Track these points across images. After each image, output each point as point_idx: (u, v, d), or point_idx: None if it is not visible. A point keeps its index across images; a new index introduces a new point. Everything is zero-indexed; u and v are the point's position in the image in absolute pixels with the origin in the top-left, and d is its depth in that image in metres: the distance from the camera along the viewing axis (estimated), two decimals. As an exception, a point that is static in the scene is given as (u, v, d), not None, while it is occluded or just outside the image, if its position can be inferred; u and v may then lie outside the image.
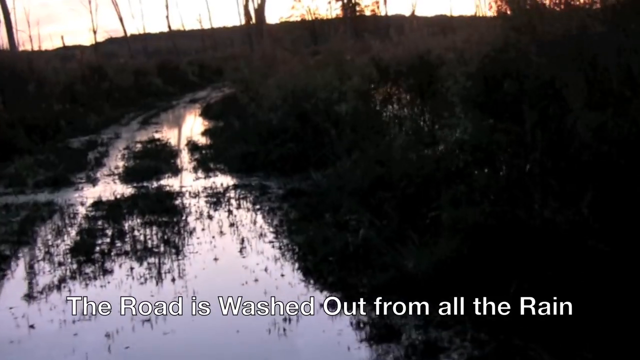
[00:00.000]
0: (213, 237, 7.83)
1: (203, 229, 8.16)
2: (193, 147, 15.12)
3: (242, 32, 72.16)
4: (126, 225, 8.53)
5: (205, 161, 12.96)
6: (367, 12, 79.00)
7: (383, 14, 78.34)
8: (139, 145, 16.17)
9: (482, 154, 4.97)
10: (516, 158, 5.23)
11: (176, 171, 12.28)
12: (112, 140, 17.56)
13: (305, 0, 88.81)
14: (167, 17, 58.49)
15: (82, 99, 23.80)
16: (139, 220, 8.73)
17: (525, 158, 5.23)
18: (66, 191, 11.18)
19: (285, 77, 13.50)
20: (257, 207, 9.12)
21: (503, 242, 4.79)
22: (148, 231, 8.16)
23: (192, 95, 33.20)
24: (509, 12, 5.95)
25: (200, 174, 11.88)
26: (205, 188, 10.55)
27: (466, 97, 6.28)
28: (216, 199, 9.75)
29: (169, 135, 18.20)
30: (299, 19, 77.39)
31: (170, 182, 11.28)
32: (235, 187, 10.49)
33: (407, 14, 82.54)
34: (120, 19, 57.11)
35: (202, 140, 16.14)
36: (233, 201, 9.53)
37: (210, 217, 8.73)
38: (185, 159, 13.68)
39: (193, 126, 20.07)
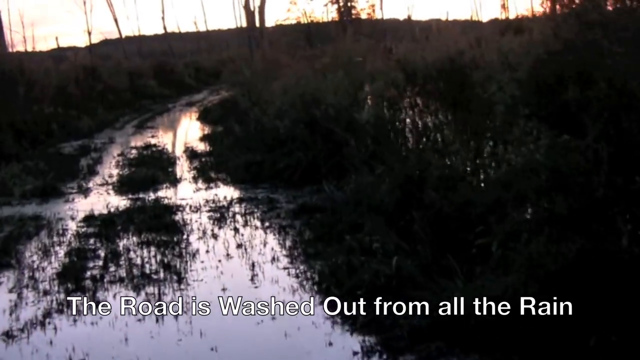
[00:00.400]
0: (219, 260, 6.92)
1: (207, 251, 7.25)
2: (192, 154, 14.21)
3: (238, 34, 71.34)
4: (121, 245, 7.62)
5: (206, 170, 12.05)
6: (363, 16, 78.44)
7: (378, 17, 77.90)
8: (134, 152, 15.26)
9: (557, 177, 4.09)
10: (589, 180, 4.34)
11: (174, 181, 11.38)
12: (105, 146, 16.64)
13: (300, 3, 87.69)
14: (162, 18, 57.32)
15: (75, 101, 22.85)
16: (135, 239, 7.83)
17: (599, 181, 4.34)
18: (56, 203, 10.28)
19: (291, 81, 12.60)
20: (266, 224, 8.21)
21: (586, 281, 3.91)
22: (145, 253, 7.26)
23: (188, 98, 32.29)
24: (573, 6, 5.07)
25: (200, 184, 10.97)
26: (207, 201, 9.64)
27: (514, 107, 5.41)
28: (220, 214, 8.84)
29: (165, 140, 17.28)
30: (294, 22, 76.38)
31: (169, 194, 10.38)
32: (240, 200, 9.58)
33: (401, 18, 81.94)
34: (115, 21, 56.00)
35: (201, 147, 15.23)
36: (239, 217, 8.63)
37: (214, 236, 7.82)
38: (183, 167, 12.77)
39: (191, 131, 19.15)
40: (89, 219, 9.01)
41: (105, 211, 9.38)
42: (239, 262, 6.86)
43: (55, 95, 20.92)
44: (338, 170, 9.72)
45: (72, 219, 9.15)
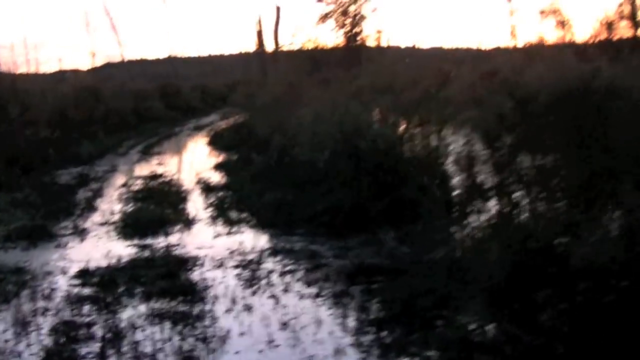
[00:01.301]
0: (260, 351, 4.94)
1: (242, 333, 5.27)
2: (206, 186, 12.26)
3: (243, 58, 69.93)
4: (124, 319, 5.65)
5: (225, 208, 10.11)
6: (370, 42, 76.85)
7: (383, 44, 76.22)
8: (139, 182, 13.31)
9: None
10: None
11: (188, 222, 9.41)
12: (107, 175, 14.71)
13: (306, 28, 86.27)
14: (167, 40, 55.64)
15: (75, 124, 20.96)
16: (142, 309, 5.87)
17: None
18: (45, 248, 8.36)
19: (324, 107, 10.68)
20: (314, 291, 6.21)
21: None
22: (157, 334, 5.29)
23: (196, 122, 30.44)
24: None
25: (221, 227, 9.02)
26: (231, 252, 7.68)
27: None
28: (250, 272, 6.88)
29: (174, 169, 15.35)
30: (298, 47, 74.82)
31: (183, 240, 8.42)
32: (273, 252, 7.61)
33: (403, 46, 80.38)
34: (119, 43, 54.44)
35: (216, 178, 13.30)
36: (276, 278, 6.66)
37: (248, 308, 5.84)
38: (198, 203, 10.82)
39: (202, 158, 17.19)
40: (84, 274, 7.05)
41: (104, 263, 7.43)
42: (290, 355, 4.87)
43: (52, 118, 19.03)
44: (393, 214, 7.80)
45: (63, 273, 7.20)
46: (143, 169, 15.38)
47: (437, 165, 7.34)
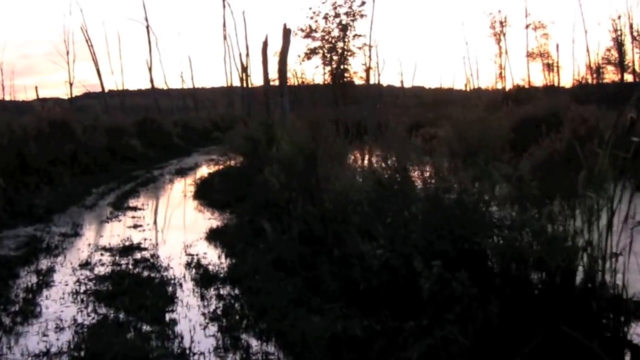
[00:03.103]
0: None
1: None
2: (202, 274, 8.31)
3: (225, 92, 66.14)
4: None
5: (238, 327, 6.20)
6: (357, 79, 73.22)
7: (373, 82, 72.68)
8: (107, 260, 9.37)
9: None
10: None
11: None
12: (65, 242, 10.73)
13: (291, 64, 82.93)
14: (150, 69, 51.85)
15: (35, 164, 17.01)
16: None
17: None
18: None
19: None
20: None
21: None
22: None
23: (177, 163, 26.49)
24: None
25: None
26: None
27: None
28: None
29: (154, 236, 11.38)
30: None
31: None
32: None
33: (396, 84, 77.03)
34: (98, 73, 50.70)
35: (213, 257, 9.38)
36: None
37: None
38: (193, 309, 6.91)
39: (191, 219, 13.23)
40: None
41: None
42: None
43: (5, 159, 15.08)
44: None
45: None
46: (114, 234, 11.42)
47: None
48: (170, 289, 7.71)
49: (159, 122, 32.52)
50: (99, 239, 10.98)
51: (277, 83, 23.32)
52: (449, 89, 70.42)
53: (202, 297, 7.32)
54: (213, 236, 10.75)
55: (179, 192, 17.31)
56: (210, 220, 12.62)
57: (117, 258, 9.47)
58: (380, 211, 6.19)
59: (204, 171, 22.61)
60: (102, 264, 9.09)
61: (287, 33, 17.03)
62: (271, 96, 21.26)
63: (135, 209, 14.31)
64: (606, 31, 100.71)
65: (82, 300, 7.32)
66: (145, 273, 8.50)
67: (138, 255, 9.62)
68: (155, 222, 12.81)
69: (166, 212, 14.46)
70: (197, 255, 9.50)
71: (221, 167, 21.41)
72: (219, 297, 7.27)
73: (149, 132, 30.01)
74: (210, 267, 8.64)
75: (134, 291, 7.53)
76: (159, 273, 8.49)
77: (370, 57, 63.88)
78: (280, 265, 7.71)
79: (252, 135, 14.72)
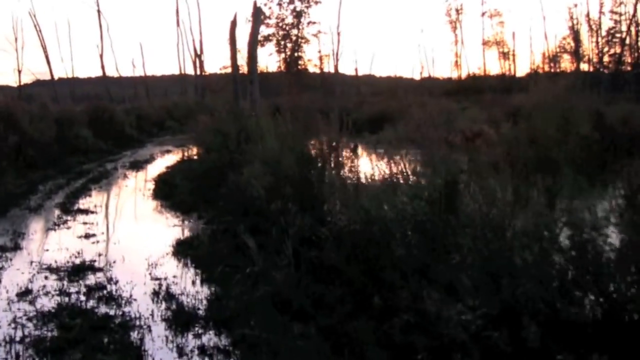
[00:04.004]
0: None
1: None
2: (176, 313, 6.30)
3: (178, 80, 63.50)
4: None
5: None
6: (311, 68, 71.23)
7: (328, 71, 70.74)
8: (51, 286, 7.35)
9: None
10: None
11: None
12: (2, 258, 8.67)
13: (244, 51, 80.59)
14: (101, 56, 49.24)
15: (-27, 161, 14.80)
16: None
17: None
18: None
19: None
20: None
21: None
22: None
23: (131, 155, 24.29)
24: None
25: None
26: None
27: None
28: None
29: (111, 249, 9.35)
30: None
31: None
32: None
33: (350, 73, 75.19)
34: (47, 60, 48.04)
35: (187, 284, 7.39)
36: None
37: None
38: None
39: (152, 226, 11.16)
40: None
41: None
42: None
43: None
44: None
45: None
46: (62, 246, 9.38)
47: None
48: (135, 335, 5.75)
49: (112, 111, 30.13)
50: (43, 254, 8.92)
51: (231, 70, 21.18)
52: (399, 78, 68.64)
53: (181, 353, 5.36)
54: (182, 251, 8.78)
55: (137, 191, 15.21)
56: (175, 228, 10.63)
57: (65, 283, 7.46)
58: (442, 246, 4.33)
59: (161, 165, 20.50)
60: (47, 293, 7.08)
61: (257, 13, 15.03)
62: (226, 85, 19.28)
63: (87, 212, 12.22)
64: (563, 20, 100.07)
65: (16, 359, 5.31)
66: (102, 309, 6.51)
67: (91, 279, 7.62)
68: (110, 230, 10.75)
69: (123, 217, 12.36)
70: (165, 279, 7.53)
71: (181, 161, 19.33)
72: (204, 352, 5.33)
73: (101, 122, 27.62)
74: (185, 300, 6.69)
75: (87, 341, 5.55)
76: (119, 309, 6.51)
77: (338, 43, 61.62)
78: (282, 305, 5.79)
79: (222, 128, 12.72)
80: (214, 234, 9.35)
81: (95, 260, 8.45)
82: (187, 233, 10.03)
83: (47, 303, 6.71)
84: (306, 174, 7.46)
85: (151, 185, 15.56)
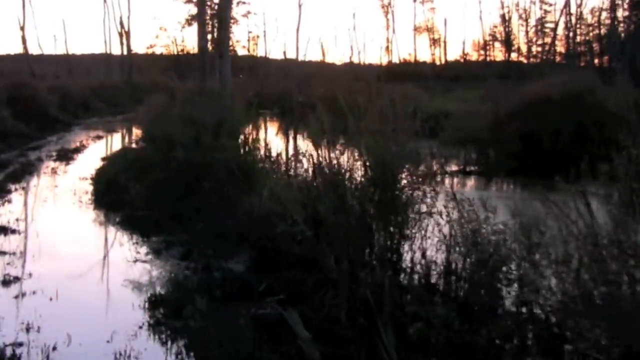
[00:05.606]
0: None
1: None
2: None
3: (103, 60, 58.33)
4: None
5: None
6: (240, 50, 67.06)
7: (261, 54, 66.74)
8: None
9: None
10: None
11: None
12: None
13: (170, 30, 75.98)
14: (22, 28, 44.11)
15: None
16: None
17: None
18: None
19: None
20: None
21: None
22: None
23: (58, 141, 20.24)
24: None
25: None
26: None
27: None
28: None
29: (45, 315, 5.65)
30: (164, 50, 65.32)
31: None
32: None
33: (279, 57, 71.22)
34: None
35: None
36: None
37: None
38: None
39: (100, 261, 7.47)
40: None
41: None
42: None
43: None
44: None
45: None
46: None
47: None
48: None
49: (35, 90, 25.77)
50: None
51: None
52: (322, 62, 64.52)
53: None
54: (164, 324, 5.22)
55: (70, 194, 11.34)
56: (138, 265, 6.99)
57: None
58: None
59: (94, 155, 16.63)
60: None
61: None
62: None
63: (5, 231, 8.44)
64: (495, 8, 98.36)
65: None
66: None
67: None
68: (40, 268, 7.01)
69: (57, 242, 8.51)
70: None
71: (120, 151, 15.47)
72: None
73: (22, 102, 23.38)
74: None
75: None
76: None
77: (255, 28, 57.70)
78: None
79: (194, 116, 9.09)
80: (207, 283, 5.79)
81: (22, 344, 4.82)
82: (160, 281, 6.41)
83: None
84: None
85: (88, 187, 11.76)
